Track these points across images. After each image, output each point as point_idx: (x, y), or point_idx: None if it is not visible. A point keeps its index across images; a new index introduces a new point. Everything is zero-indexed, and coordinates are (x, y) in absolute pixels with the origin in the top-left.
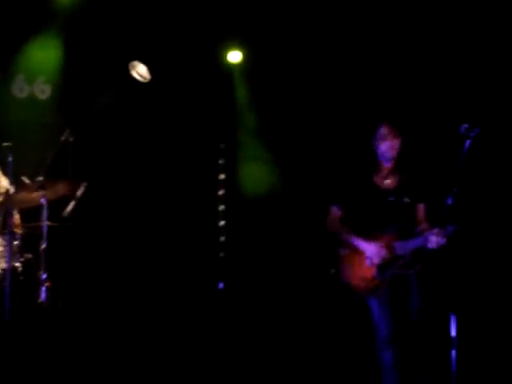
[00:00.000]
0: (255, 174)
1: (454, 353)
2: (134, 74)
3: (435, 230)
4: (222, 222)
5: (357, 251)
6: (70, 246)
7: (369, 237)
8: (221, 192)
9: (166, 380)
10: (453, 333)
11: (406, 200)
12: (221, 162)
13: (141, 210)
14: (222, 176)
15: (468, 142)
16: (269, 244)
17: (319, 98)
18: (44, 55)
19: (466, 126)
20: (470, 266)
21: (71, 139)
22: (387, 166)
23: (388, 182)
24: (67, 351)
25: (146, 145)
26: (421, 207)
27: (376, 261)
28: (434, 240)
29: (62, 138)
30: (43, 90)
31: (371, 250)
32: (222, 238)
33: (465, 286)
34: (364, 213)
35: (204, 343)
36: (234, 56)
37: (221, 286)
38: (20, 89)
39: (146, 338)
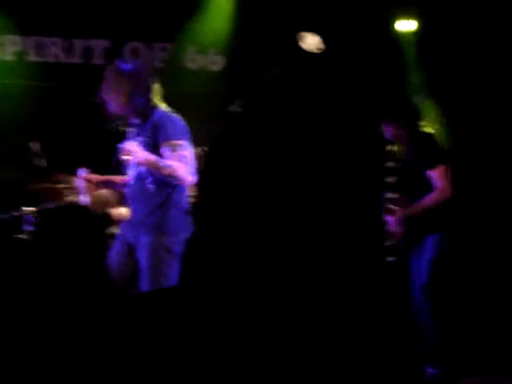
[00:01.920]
0: None
1: None
2: (304, 45)
3: None
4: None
5: None
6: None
7: None
8: None
9: None
10: None
11: None
12: None
13: None
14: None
15: None
16: None
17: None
18: (217, 25)
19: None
20: None
21: (239, 110)
22: None
23: None
24: None
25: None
26: None
27: None
28: None
29: (231, 109)
30: (215, 61)
31: None
32: None
33: None
34: None
35: None
36: (406, 25)
37: None
38: (192, 60)
39: None
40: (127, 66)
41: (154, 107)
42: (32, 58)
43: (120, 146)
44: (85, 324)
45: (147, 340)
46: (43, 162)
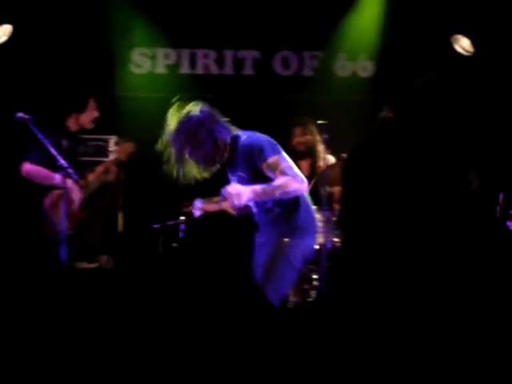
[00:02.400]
0: None
1: None
2: (457, 48)
3: None
4: None
5: None
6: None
7: None
8: None
9: None
10: None
11: None
12: None
13: None
14: None
15: None
16: None
17: None
18: (366, 31)
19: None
20: None
21: (390, 116)
22: None
23: None
24: None
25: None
26: None
27: None
28: None
29: (381, 115)
30: (365, 68)
31: None
32: None
33: None
34: None
35: None
36: None
37: None
38: (342, 67)
39: None
40: (188, 121)
41: (234, 138)
42: (184, 70)
43: (223, 192)
44: (235, 328)
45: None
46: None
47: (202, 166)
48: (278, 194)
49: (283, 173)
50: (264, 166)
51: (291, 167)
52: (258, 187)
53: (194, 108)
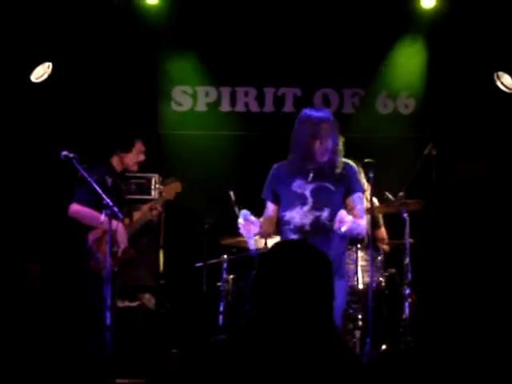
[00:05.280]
0: None
1: None
2: (500, 85)
3: None
4: None
5: None
6: (432, 261)
7: None
8: None
9: None
10: None
11: None
12: None
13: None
14: None
15: None
16: None
17: None
18: (407, 68)
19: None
20: None
21: (434, 153)
22: None
23: None
24: None
25: None
26: None
27: None
28: None
29: (425, 152)
30: (407, 105)
31: None
32: None
33: None
34: None
35: None
36: None
37: None
38: (384, 104)
39: None
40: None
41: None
42: (225, 108)
43: (337, 218)
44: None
45: None
46: (237, 210)
47: (322, 161)
48: (355, 233)
49: (361, 212)
50: (357, 195)
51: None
52: (350, 221)
53: None
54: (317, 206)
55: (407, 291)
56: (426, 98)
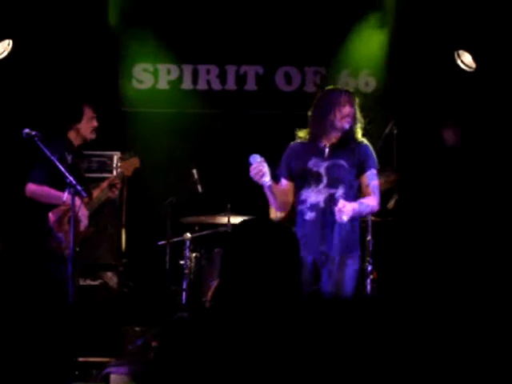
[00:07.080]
0: None
1: None
2: (460, 63)
3: None
4: None
5: None
6: (394, 240)
7: None
8: None
9: None
10: None
11: None
12: None
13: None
14: None
15: None
16: None
17: None
18: (368, 46)
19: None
20: None
21: (395, 132)
22: None
23: None
24: None
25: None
26: None
27: None
28: None
29: (386, 131)
30: (367, 83)
31: None
32: None
33: None
34: None
35: None
36: None
37: None
38: (346, 83)
39: None
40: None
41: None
42: (186, 86)
43: (336, 209)
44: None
45: None
46: (199, 189)
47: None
48: (366, 213)
49: (375, 188)
50: (371, 171)
51: (379, 187)
52: (355, 204)
53: None
54: (331, 184)
55: (369, 268)
56: (387, 76)
